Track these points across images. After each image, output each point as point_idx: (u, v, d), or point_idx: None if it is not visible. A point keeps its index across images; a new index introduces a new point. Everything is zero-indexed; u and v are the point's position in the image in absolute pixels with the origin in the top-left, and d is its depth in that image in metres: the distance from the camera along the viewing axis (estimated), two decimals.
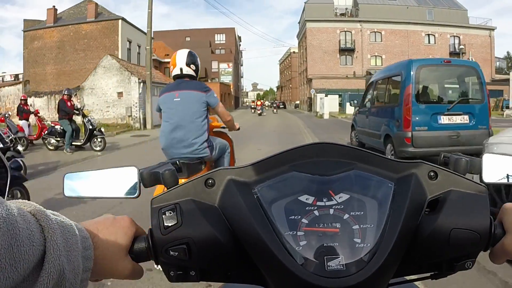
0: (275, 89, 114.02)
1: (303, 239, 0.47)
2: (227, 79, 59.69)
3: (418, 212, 0.51)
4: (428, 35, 46.85)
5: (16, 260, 0.35)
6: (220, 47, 63.84)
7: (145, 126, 18.55)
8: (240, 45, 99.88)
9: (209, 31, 64.48)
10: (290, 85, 70.78)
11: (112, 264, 0.50)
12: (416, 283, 0.68)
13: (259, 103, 34.08)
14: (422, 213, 0.52)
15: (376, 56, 46.18)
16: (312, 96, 39.02)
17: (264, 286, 0.55)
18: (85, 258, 0.44)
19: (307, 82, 48.42)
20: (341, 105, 32.47)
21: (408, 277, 0.62)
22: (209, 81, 50.08)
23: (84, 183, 0.61)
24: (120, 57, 24.00)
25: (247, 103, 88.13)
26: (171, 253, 0.50)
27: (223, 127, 3.19)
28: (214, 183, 0.55)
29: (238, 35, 74.13)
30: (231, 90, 58.07)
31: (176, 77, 2.87)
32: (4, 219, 0.34)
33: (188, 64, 2.82)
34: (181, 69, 2.82)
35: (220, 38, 65.09)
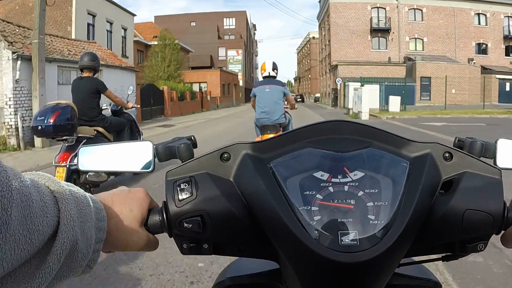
0: (292, 82, 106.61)
1: (317, 214, 0.48)
2: (236, 68, 52.05)
3: (432, 192, 0.52)
4: (478, 14, 38.00)
5: (30, 231, 0.35)
6: (229, 33, 56.09)
7: (31, 145, 8.99)
8: (254, 33, 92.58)
9: (217, 15, 56.74)
10: (309, 76, 62.48)
11: (127, 236, 0.50)
12: (425, 264, 0.68)
13: None
14: (437, 193, 0.52)
15: (416, 38, 37.62)
16: (338, 87, 30.76)
17: (276, 261, 0.56)
18: (98, 229, 0.44)
19: (330, 70, 40.18)
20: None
21: (418, 258, 0.62)
22: (213, 69, 42.38)
23: (99, 156, 0.61)
24: (74, 36, 16.58)
25: None
26: (185, 225, 0.50)
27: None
28: (230, 157, 0.55)
29: (252, 23, 66.65)
30: (240, 80, 50.51)
31: (265, 77, 4.83)
32: (18, 190, 0.34)
33: (273, 69, 4.80)
34: (269, 73, 4.79)
35: (229, 23, 57.25)
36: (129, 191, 0.53)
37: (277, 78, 4.88)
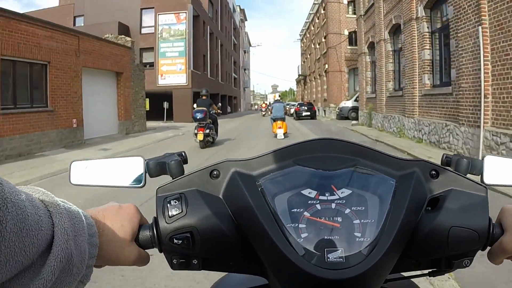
0: (294, 87, 77.98)
1: (305, 231, 0.49)
2: (176, 48, 24.91)
3: (418, 210, 0.52)
4: None
5: (25, 244, 0.35)
6: None
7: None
8: (242, 21, 66.57)
9: None
10: (324, 69, 30.41)
11: (118, 251, 0.50)
12: (414, 280, 0.68)
13: (263, 105, 35.61)
14: (423, 211, 0.53)
15: None
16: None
17: (265, 277, 0.56)
18: (90, 244, 0.45)
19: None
20: None
21: (405, 274, 0.62)
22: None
23: (91, 171, 0.61)
24: None
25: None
26: (175, 241, 0.51)
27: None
28: (219, 174, 0.56)
29: None
30: (180, 75, 23.35)
31: (275, 101, 14.20)
32: (13, 203, 0.35)
33: (279, 97, 15.02)
34: (278, 99, 14.53)
35: None
36: (119, 207, 0.53)
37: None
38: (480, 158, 0.62)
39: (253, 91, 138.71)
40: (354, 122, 18.49)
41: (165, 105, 24.90)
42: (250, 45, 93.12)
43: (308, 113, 27.31)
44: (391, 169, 0.55)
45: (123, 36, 16.94)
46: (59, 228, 0.39)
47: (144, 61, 26.33)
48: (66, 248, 0.39)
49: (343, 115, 23.37)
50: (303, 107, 27.87)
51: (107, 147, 10.89)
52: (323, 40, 30.98)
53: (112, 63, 14.21)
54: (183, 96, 24.87)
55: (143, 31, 26.06)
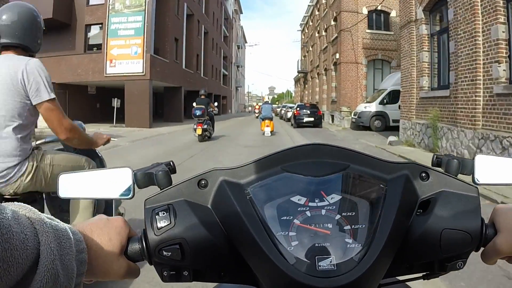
0: (292, 89, 69.44)
1: (295, 239, 0.48)
2: (132, 24, 17.95)
3: (409, 213, 0.52)
4: None
5: (9, 263, 0.34)
6: None
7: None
8: (236, 13, 59.91)
9: None
10: (336, 59, 21.74)
11: (107, 265, 0.50)
12: (408, 283, 0.67)
13: (257, 106, 34.13)
14: (414, 214, 0.53)
15: None
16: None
17: (256, 286, 0.56)
18: (79, 261, 0.44)
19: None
20: None
21: (400, 277, 0.62)
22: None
23: (79, 183, 0.61)
24: None
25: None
26: (164, 253, 0.50)
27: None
28: (207, 183, 0.56)
29: None
30: (137, 61, 16.50)
31: (264, 103, 16.04)
32: None
33: (268, 99, 18.23)
34: (267, 101, 17.29)
35: None
36: (107, 220, 0.53)
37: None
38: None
39: (249, 92, 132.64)
40: (392, 138, 10.88)
41: (115, 102, 17.84)
42: (245, 41, 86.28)
43: (311, 119, 20.01)
44: (381, 173, 0.54)
45: None
46: (45, 248, 0.38)
47: (90, 42, 19.30)
48: (52, 268, 0.38)
49: (361, 123, 16.35)
50: (304, 110, 20.50)
51: None
52: (333, 23, 23.23)
53: None
54: (139, 91, 17.81)
55: (91, 1, 19.06)
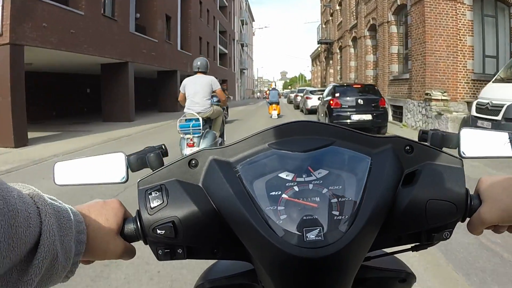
0: (309, 68, 56.01)
1: (284, 213, 0.50)
2: None
3: (395, 185, 0.53)
4: None
5: (14, 240, 0.35)
6: None
7: None
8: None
9: None
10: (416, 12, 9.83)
11: (104, 245, 0.52)
12: (397, 255, 0.68)
13: (267, 91, 30.42)
14: (399, 186, 0.54)
15: None
16: None
17: (249, 261, 0.57)
18: (78, 242, 0.46)
19: None
20: None
21: (388, 250, 0.63)
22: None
23: (74, 170, 0.62)
24: None
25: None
26: (158, 231, 0.52)
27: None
28: (198, 163, 0.57)
29: None
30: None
31: (272, 89, 18.02)
32: (4, 200, 0.35)
33: (276, 86, 24.34)
34: (274, 87, 20.29)
35: None
36: (104, 202, 0.55)
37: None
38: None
39: (261, 77, 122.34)
40: None
41: None
42: (252, 19, 76.05)
43: (368, 117, 9.90)
44: (366, 147, 0.56)
45: None
46: (47, 228, 0.40)
47: None
48: (52, 249, 0.40)
49: None
50: (349, 98, 10.06)
51: None
52: None
53: None
54: None
55: None
